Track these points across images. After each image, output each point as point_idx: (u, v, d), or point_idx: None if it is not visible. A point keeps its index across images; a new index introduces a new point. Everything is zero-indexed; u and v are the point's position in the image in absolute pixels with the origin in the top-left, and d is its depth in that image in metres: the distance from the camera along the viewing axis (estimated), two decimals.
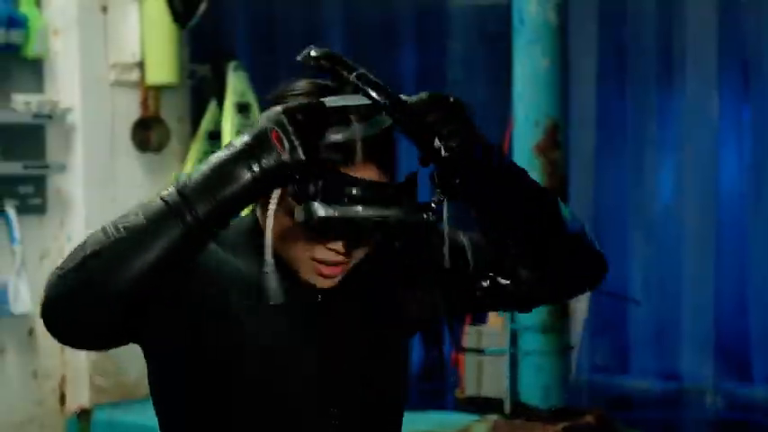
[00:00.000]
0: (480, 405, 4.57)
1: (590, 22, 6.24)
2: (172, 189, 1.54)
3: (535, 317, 4.42)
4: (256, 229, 1.71)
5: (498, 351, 4.54)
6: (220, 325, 1.66)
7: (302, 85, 1.68)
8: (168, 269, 1.54)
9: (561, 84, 4.49)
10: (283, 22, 6.55)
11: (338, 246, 1.64)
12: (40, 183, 5.18)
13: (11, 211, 5.02)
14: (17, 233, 5.00)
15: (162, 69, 5.34)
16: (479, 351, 4.62)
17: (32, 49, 5.08)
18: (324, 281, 1.68)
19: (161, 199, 1.54)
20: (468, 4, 6.44)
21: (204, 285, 1.66)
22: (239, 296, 1.67)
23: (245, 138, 1.54)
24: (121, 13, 5.35)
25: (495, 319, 4.69)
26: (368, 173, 1.62)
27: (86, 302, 1.52)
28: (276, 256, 1.65)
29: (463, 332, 4.75)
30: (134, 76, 5.38)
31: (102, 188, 5.20)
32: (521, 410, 4.41)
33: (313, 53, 1.60)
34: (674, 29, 6.15)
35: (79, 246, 1.55)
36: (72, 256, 1.54)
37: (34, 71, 5.22)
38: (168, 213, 1.52)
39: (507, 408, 4.45)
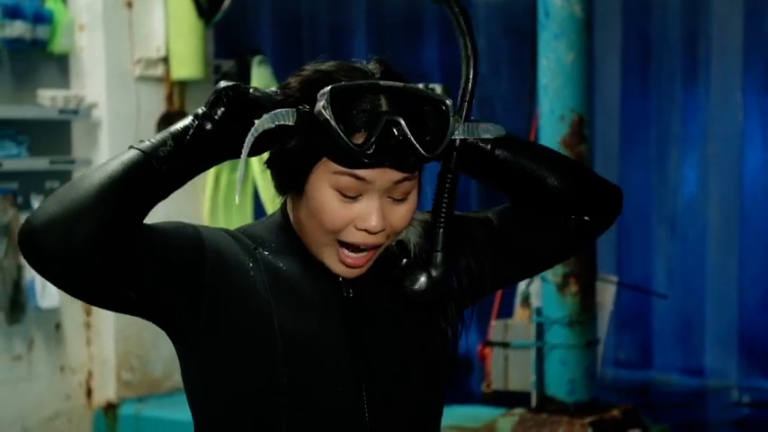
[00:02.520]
0: (506, 399, 4.57)
1: (614, 16, 6.24)
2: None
3: (561, 310, 4.41)
4: (287, 226, 1.71)
5: (525, 345, 4.54)
6: (252, 314, 1.64)
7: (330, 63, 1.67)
8: (132, 200, 1.55)
9: (586, 78, 4.48)
10: (308, 16, 6.57)
11: (372, 219, 1.61)
12: (65, 178, 5.20)
13: (37, 206, 5.04)
14: None
15: (187, 64, 5.35)
16: (506, 345, 4.61)
17: (58, 45, 5.10)
18: (347, 270, 1.66)
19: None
20: None
21: (235, 281, 1.65)
22: (270, 288, 1.66)
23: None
24: (146, 9, 5.37)
25: (521, 313, 4.69)
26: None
27: (61, 217, 1.51)
28: (302, 246, 1.66)
29: (489, 325, 4.75)
30: (159, 71, 5.40)
31: None
32: (547, 404, 4.41)
33: None
34: (698, 24, 6.14)
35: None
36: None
37: (60, 67, 5.24)
38: (129, 149, 1.58)
39: (534, 401, 4.45)
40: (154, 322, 1.65)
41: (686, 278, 6.27)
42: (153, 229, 1.60)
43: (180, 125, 1.59)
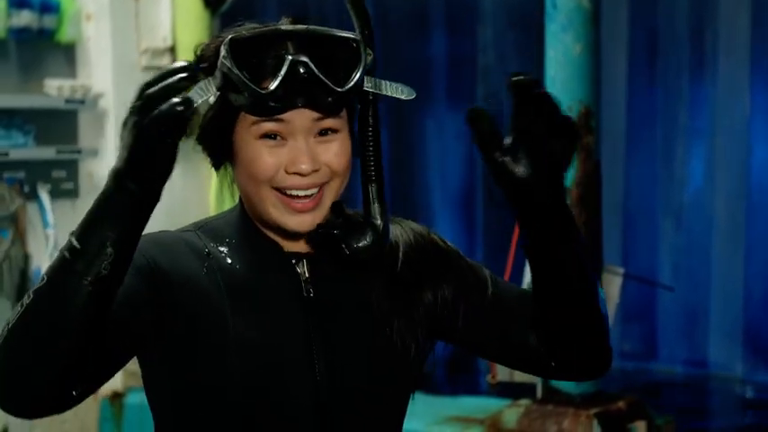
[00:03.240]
0: (512, 390, 4.56)
1: (621, 7, 6.22)
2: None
3: None
4: (244, 215, 1.68)
5: None
6: (205, 324, 1.61)
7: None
8: (94, 314, 1.42)
9: (594, 70, 4.47)
10: (314, 7, 6.56)
11: (299, 159, 1.58)
12: (72, 167, 5.20)
13: (44, 196, 5.05)
14: (50, 217, 5.03)
15: (193, 55, 5.34)
16: None
17: (65, 35, 5.10)
18: (297, 220, 1.62)
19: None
20: None
21: (186, 292, 1.61)
22: (227, 293, 1.63)
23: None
24: None
25: None
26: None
27: (30, 368, 1.41)
28: (260, 238, 1.65)
29: None
30: (165, 61, 5.39)
31: None
32: (552, 396, 4.40)
33: None
34: (706, 15, 6.13)
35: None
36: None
37: (67, 56, 5.24)
38: (68, 271, 1.42)
39: (539, 393, 4.45)
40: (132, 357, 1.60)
41: (692, 271, 6.27)
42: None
43: (106, 209, 1.41)
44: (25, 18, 4.90)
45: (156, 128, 1.37)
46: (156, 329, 1.58)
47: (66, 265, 1.41)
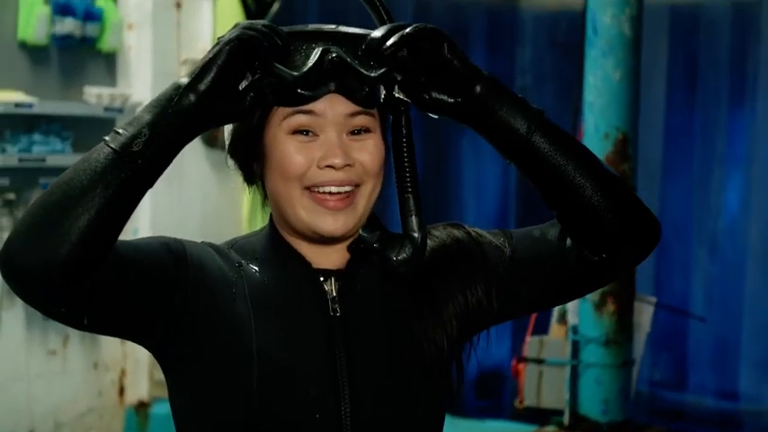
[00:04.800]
0: (539, 416, 4.54)
1: (662, 35, 6.19)
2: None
3: (598, 329, 4.39)
4: (273, 232, 1.67)
5: (559, 362, 4.52)
6: (229, 333, 1.59)
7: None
8: (116, 198, 1.45)
9: (633, 97, 4.45)
10: (354, 22, 6.58)
11: (332, 152, 1.57)
12: None
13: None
14: None
15: None
16: (540, 361, 4.59)
17: (107, 43, 5.14)
18: (329, 220, 1.60)
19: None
20: (539, 11, 6.42)
21: (217, 296, 1.60)
22: (252, 305, 1.62)
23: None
24: (195, 9, 5.40)
25: (556, 330, 4.67)
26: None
27: (44, 228, 1.42)
28: (289, 254, 1.64)
29: (524, 341, 4.73)
30: None
31: (169, 182, 5.24)
32: (580, 423, 4.38)
33: None
34: (746, 44, 6.09)
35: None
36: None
37: (107, 64, 5.28)
38: (102, 145, 1.47)
39: (566, 420, 4.43)
40: (139, 342, 1.61)
41: (725, 300, 6.22)
42: (134, 246, 1.56)
43: (155, 104, 1.48)
44: (68, 25, 4.93)
45: (234, 44, 1.48)
46: (171, 314, 1.57)
47: (103, 143, 1.47)
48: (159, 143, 1.46)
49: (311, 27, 1.61)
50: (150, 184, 1.48)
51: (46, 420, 5.08)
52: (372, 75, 1.56)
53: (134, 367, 5.31)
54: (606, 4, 4.38)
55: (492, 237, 1.73)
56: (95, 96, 5.12)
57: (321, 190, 1.59)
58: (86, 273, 1.45)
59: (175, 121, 1.47)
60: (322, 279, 1.66)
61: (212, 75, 1.48)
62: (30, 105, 4.82)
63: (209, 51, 1.50)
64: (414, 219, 1.61)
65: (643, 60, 4.57)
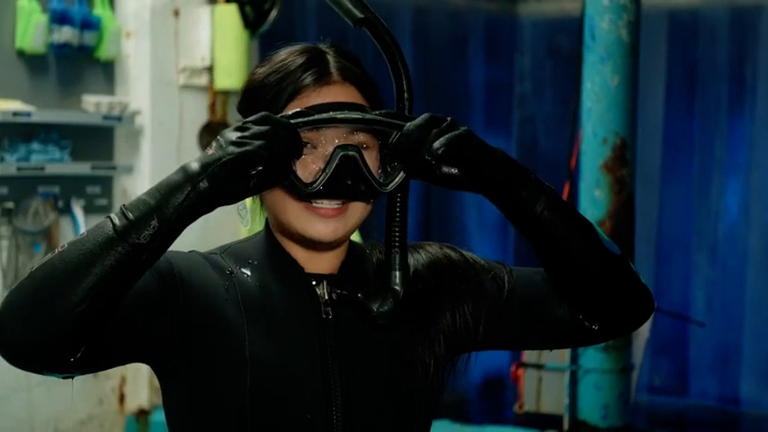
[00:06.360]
0: (538, 421, 4.54)
1: (660, 40, 6.20)
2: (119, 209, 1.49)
3: None
4: (269, 236, 1.69)
5: (559, 367, 4.51)
6: (222, 340, 1.61)
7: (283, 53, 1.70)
8: (116, 284, 1.45)
9: (631, 102, 4.45)
10: (354, 30, 6.58)
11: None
12: (106, 183, 5.23)
13: (78, 211, 5.08)
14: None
15: (231, 74, 5.38)
16: (539, 366, 4.59)
17: (105, 51, 5.14)
18: (321, 226, 1.62)
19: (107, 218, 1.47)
20: (538, 18, 6.42)
21: (207, 307, 1.61)
22: (245, 311, 1.63)
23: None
24: (193, 18, 5.40)
25: None
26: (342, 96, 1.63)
27: (39, 309, 1.43)
28: (283, 258, 1.66)
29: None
30: (203, 80, 5.42)
31: None
32: (579, 428, 4.38)
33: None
34: (746, 49, 6.10)
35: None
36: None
37: (105, 73, 5.27)
38: (109, 229, 1.45)
39: (566, 425, 4.42)
40: (136, 361, 1.61)
41: (725, 305, 6.22)
42: None
43: (167, 191, 1.46)
44: (66, 34, 4.94)
45: (259, 162, 1.48)
46: (166, 336, 1.58)
47: (108, 224, 1.45)
48: (167, 231, 1.46)
49: (337, 114, 1.59)
50: (150, 266, 1.48)
51: (46, 428, 5.07)
52: (382, 190, 1.60)
53: (134, 375, 5.30)
54: (604, 10, 4.38)
55: (493, 267, 1.76)
56: (94, 105, 5.12)
57: (314, 202, 1.62)
58: (81, 346, 1.45)
59: (187, 212, 1.47)
60: (314, 283, 1.67)
61: (227, 172, 1.47)
62: (28, 114, 4.82)
63: (230, 146, 1.48)
64: (398, 274, 1.65)
65: (642, 66, 4.57)
